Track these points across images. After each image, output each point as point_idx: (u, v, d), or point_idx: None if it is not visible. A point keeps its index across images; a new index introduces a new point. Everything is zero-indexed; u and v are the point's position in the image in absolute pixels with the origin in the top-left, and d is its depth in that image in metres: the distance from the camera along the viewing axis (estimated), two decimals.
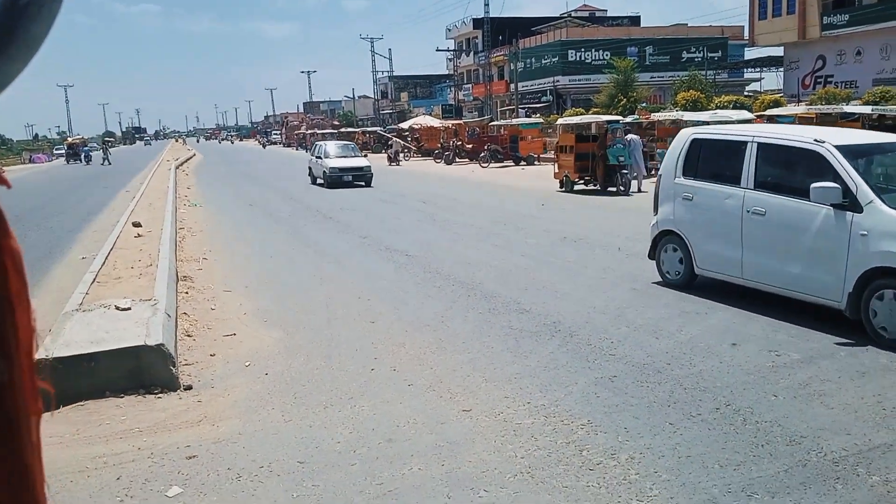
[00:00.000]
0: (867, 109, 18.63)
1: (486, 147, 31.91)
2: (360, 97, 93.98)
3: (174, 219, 13.70)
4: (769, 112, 20.54)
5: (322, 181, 23.99)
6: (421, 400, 5.11)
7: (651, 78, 51.81)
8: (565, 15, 71.25)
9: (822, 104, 26.47)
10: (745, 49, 63.47)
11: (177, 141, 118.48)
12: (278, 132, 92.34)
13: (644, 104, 32.77)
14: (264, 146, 57.12)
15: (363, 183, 23.50)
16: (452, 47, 77.19)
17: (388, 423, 4.73)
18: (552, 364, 5.72)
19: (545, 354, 5.98)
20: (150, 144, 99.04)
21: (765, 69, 48.29)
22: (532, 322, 6.92)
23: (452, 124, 41.37)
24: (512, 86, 60.42)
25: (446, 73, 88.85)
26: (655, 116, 22.36)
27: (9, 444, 0.53)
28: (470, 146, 35.04)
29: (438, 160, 36.55)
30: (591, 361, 5.74)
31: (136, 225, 12.32)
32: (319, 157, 24.94)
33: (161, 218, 13.56)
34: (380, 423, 4.72)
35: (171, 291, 7.44)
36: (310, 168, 25.95)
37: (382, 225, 13.97)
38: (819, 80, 39.37)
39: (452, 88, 75.22)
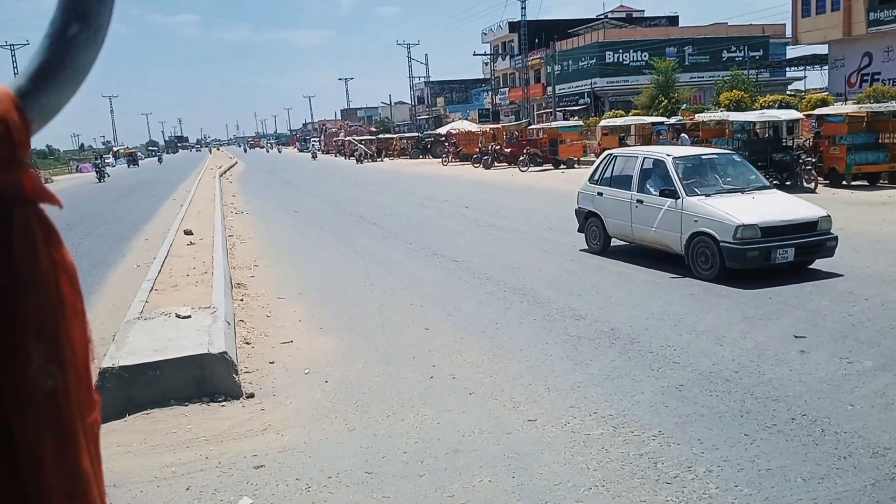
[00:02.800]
0: None
1: (525, 151, 31.78)
2: (396, 103, 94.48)
3: (223, 227, 13.85)
4: (818, 111, 20.05)
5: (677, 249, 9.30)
6: (484, 409, 5.04)
7: (691, 78, 51.00)
8: (602, 16, 70.79)
9: (869, 102, 25.82)
10: (787, 48, 62.55)
11: (217, 150, 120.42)
12: (317, 139, 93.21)
13: (685, 105, 32.29)
14: (314, 156, 57.91)
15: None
16: (488, 51, 77.23)
17: (452, 432, 4.68)
18: (615, 372, 5.62)
19: (606, 362, 5.87)
20: (159, 159, 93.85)
21: (808, 67, 47.25)
22: (589, 329, 6.81)
23: (490, 128, 41.23)
24: (549, 89, 60.29)
25: (482, 77, 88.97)
26: (700, 117, 22.00)
27: (64, 450, 0.53)
28: (508, 150, 34.91)
29: (477, 164, 36.48)
30: (655, 370, 5.62)
31: (188, 233, 12.48)
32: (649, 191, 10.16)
33: (210, 226, 13.72)
34: (444, 433, 4.67)
35: (227, 299, 7.49)
36: (589, 212, 11.15)
37: (427, 230, 13.95)
38: (865, 77, 38.40)
39: (489, 93, 75.11)
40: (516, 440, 4.51)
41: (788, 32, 58.56)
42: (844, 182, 18.12)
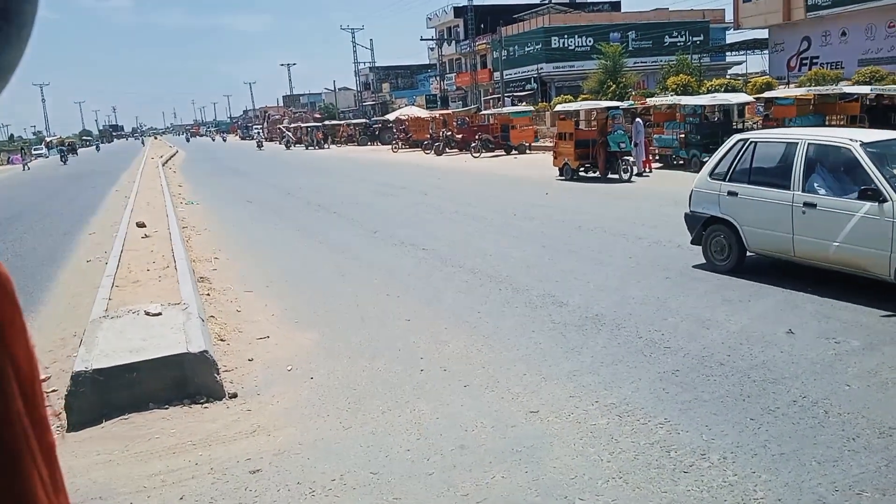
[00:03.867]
0: (866, 89, 18.59)
1: (477, 137, 31.69)
2: (340, 89, 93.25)
3: (178, 218, 13.36)
4: (767, 94, 20.48)
5: (883, 273, 6.72)
6: (482, 401, 4.90)
7: (635, 63, 51.54)
8: (546, 2, 71.07)
9: (811, 85, 26.53)
10: (727, 32, 64.01)
11: (155, 138, 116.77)
12: (259, 126, 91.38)
13: (633, 90, 32.66)
14: (259, 144, 55.25)
15: None
16: (433, 36, 76.79)
17: (454, 427, 4.52)
18: (608, 359, 5.54)
19: (597, 349, 5.80)
20: (97, 147, 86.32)
21: (749, 52, 48.32)
22: (573, 315, 6.73)
23: (440, 114, 41.00)
24: (496, 74, 60.31)
25: (428, 62, 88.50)
26: (651, 101, 22.22)
27: (12, 478, 0.49)
28: (460, 136, 34.78)
29: (428, 151, 36.25)
30: (647, 355, 5.57)
31: (141, 225, 11.99)
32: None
33: (163, 217, 13.23)
34: (446, 428, 4.52)
35: (196, 295, 7.17)
36: (711, 218, 8.49)
37: (390, 219, 13.71)
38: (805, 61, 39.46)
39: (435, 78, 74.76)
40: (522, 433, 4.38)
41: (728, 17, 59.85)
42: None
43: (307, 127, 56.67)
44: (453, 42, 69.65)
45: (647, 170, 19.70)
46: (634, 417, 4.49)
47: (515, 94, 53.62)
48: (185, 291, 7.06)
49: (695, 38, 57.45)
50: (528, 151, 31.79)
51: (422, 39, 68.71)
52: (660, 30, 57.53)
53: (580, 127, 19.03)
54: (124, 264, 8.84)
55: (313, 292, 8.31)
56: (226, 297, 8.13)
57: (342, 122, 58.77)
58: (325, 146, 51.54)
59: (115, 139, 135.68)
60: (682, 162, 20.61)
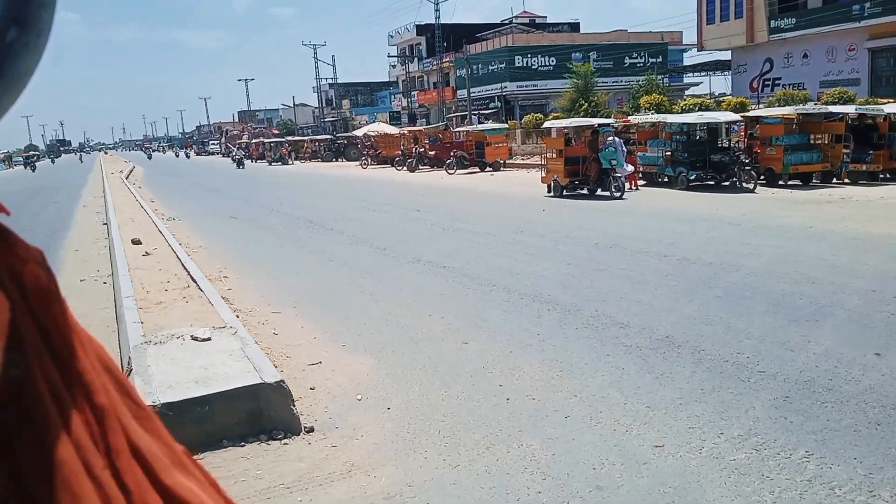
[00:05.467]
0: (850, 109, 18.92)
1: (452, 153, 31.45)
2: (298, 105, 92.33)
3: (173, 235, 12.67)
4: (753, 113, 20.70)
5: None
6: (593, 435, 4.51)
7: (596, 83, 52.31)
8: (507, 21, 71.64)
9: (780, 105, 27.06)
10: (685, 54, 65.48)
11: (105, 153, 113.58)
12: (216, 142, 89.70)
13: (617, 108, 32.90)
14: (240, 163, 49.54)
15: None
16: (395, 54, 76.73)
17: (578, 465, 4.12)
18: (707, 386, 5.20)
19: (687, 374, 5.47)
20: (32, 166, 79.51)
21: (711, 73, 49.38)
22: (641, 337, 6.40)
23: (410, 131, 40.70)
24: (459, 92, 60.40)
25: (388, 80, 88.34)
26: (634, 119, 22.27)
27: (36, 439, 0.48)
28: (433, 153, 34.53)
29: (400, 167, 35.89)
30: (746, 381, 5.25)
31: (136, 242, 11.29)
32: None
33: (153, 233, 12.55)
34: (570, 466, 4.11)
35: (234, 317, 6.62)
36: None
37: (392, 235, 13.25)
38: (767, 82, 40.48)
39: (397, 95, 74.61)
40: (658, 470, 4.00)
41: (687, 39, 61.17)
42: (781, 182, 18.72)
43: (270, 142, 55.72)
44: (416, 60, 69.63)
45: (634, 187, 19.67)
46: (772, 450, 4.15)
47: (481, 111, 53.69)
48: (224, 314, 6.51)
49: (653, 60, 58.54)
50: (502, 169, 31.71)
51: (389, 56, 68.39)
52: (620, 51, 58.42)
53: (572, 144, 18.83)
54: (136, 284, 8.20)
55: (346, 313, 7.81)
56: (255, 318, 7.57)
57: (305, 137, 57.95)
58: (290, 162, 50.75)
59: (62, 154, 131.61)
60: (666, 179, 20.66)
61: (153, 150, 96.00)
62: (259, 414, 4.63)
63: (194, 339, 5.65)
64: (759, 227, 12.29)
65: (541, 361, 5.91)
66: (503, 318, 7.28)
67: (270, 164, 50.71)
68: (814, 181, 18.96)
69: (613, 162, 17.55)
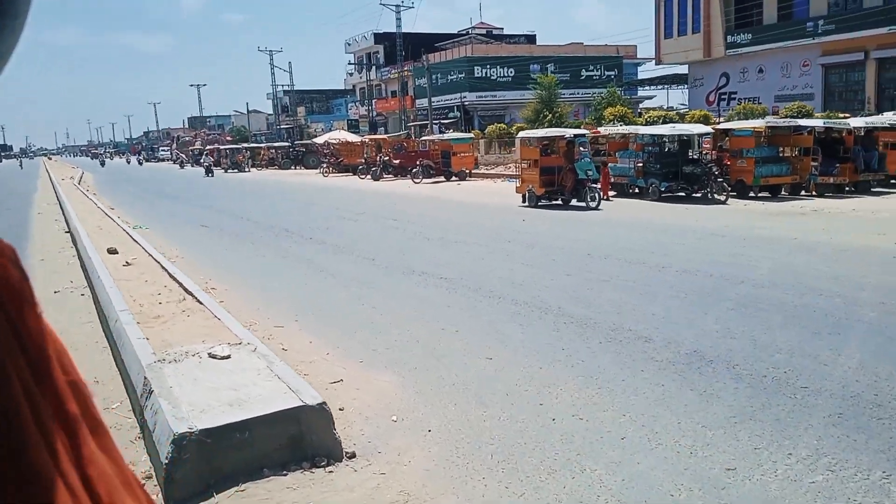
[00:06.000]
0: (819, 123, 19.32)
1: (418, 162, 31.20)
2: (251, 111, 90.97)
3: (150, 244, 12.09)
4: (724, 125, 21.00)
5: None
6: (656, 457, 4.30)
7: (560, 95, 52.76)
8: (464, 32, 71.84)
9: (739, 119, 27.59)
10: (639, 68, 66.65)
11: (48, 158, 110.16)
12: (166, 148, 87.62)
13: (574, 119, 33.11)
14: (209, 171, 43.87)
15: None
16: (352, 62, 76.19)
17: (654, 491, 3.90)
18: (756, 403, 5.04)
19: (730, 391, 5.30)
20: None
21: (668, 86, 50.26)
22: (670, 352, 6.24)
23: (372, 139, 40.36)
24: (418, 101, 60.28)
25: (343, 88, 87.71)
26: (605, 131, 22.39)
27: (10, 444, 0.47)
28: (397, 162, 34.23)
29: (363, 176, 35.50)
30: (794, 398, 5.11)
31: (113, 252, 10.73)
32: None
33: (127, 242, 11.97)
34: (645, 493, 3.89)
35: (246, 331, 6.24)
36: None
37: (376, 245, 12.92)
38: (723, 96, 41.32)
39: (355, 104, 74.12)
40: (740, 495, 3.81)
41: (641, 53, 62.30)
42: (752, 194, 18.99)
43: (226, 149, 54.63)
44: (374, 68, 69.19)
45: (606, 198, 19.71)
46: (848, 472, 4.00)
47: (441, 121, 53.60)
48: (235, 328, 6.13)
49: (609, 73, 59.43)
50: (468, 178, 31.60)
51: (350, 64, 67.78)
52: (577, 63, 59.04)
53: (548, 153, 18.77)
54: (127, 297, 7.72)
55: (353, 326, 7.48)
56: (258, 333, 7.17)
57: (262, 144, 56.98)
58: (246, 169, 49.79)
59: (3, 159, 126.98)
60: (637, 191, 20.78)
61: (97, 156, 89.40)
62: (300, 439, 4.30)
63: (212, 356, 5.28)
64: (744, 238, 12.34)
65: (574, 378, 5.69)
66: (521, 332, 7.05)
67: (227, 172, 49.67)
68: (783, 193, 19.29)
69: (590, 172, 17.55)
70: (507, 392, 5.46)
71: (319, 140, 47.11)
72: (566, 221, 15.90)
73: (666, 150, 20.33)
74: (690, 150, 20.01)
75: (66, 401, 0.52)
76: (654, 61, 44.09)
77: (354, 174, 38.75)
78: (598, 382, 5.57)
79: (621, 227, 14.55)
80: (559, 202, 18.77)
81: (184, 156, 54.65)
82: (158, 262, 9.76)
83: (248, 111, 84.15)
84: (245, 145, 56.52)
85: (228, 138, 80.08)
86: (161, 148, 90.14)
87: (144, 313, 6.96)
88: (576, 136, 18.77)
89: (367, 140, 40.34)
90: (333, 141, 43.37)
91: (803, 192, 19.21)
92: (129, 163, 75.53)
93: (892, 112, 23.88)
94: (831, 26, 34.02)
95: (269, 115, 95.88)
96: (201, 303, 7.20)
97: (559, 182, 18.15)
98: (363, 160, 37.15)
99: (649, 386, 5.45)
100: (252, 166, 52.06)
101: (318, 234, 14.59)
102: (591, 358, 6.17)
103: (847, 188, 19.26)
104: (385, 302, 8.57)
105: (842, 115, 24.84)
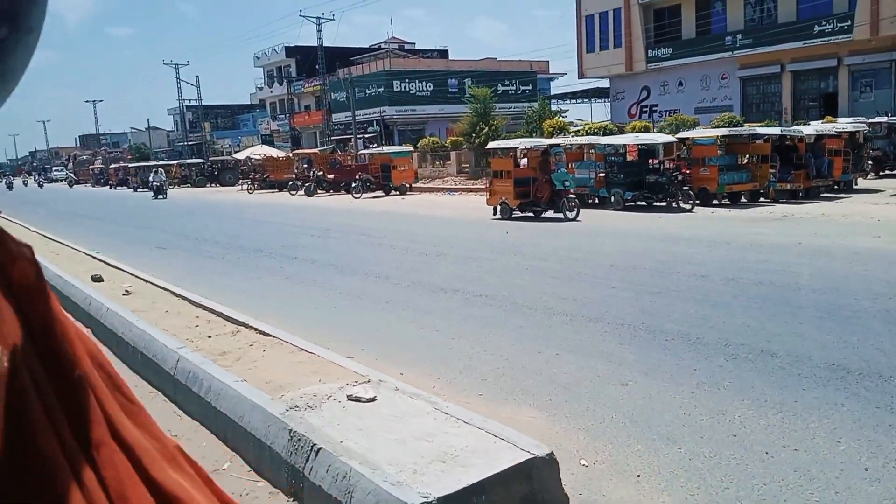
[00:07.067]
0: (776, 131, 19.82)
1: (357, 176, 30.24)
2: (150, 128, 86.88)
3: (128, 268, 10.75)
4: (685, 134, 21.24)
5: None
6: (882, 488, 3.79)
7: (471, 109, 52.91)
8: (376, 46, 71.16)
9: (669, 130, 28.21)
10: (552, 83, 68.02)
11: None
12: (60, 168, 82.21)
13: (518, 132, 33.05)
14: (160, 191, 38.24)
15: None
16: (261, 76, 74.14)
17: None
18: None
19: (870, 400, 4.90)
20: None
21: (590, 100, 51.29)
22: (810, 367, 5.76)
23: (297, 154, 39.03)
24: (335, 116, 59.10)
25: (250, 103, 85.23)
26: (565, 142, 22.24)
27: (16, 433, 0.48)
28: (331, 176, 33.12)
29: (294, 192, 34.18)
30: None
31: (98, 279, 9.40)
32: None
33: (102, 269, 10.62)
34: None
35: (354, 364, 5.35)
36: None
37: (380, 263, 12.05)
38: (644, 109, 42.44)
39: (266, 119, 72.04)
40: None
41: (552, 69, 63.49)
42: (715, 202, 19.21)
43: (135, 167, 51.69)
44: (284, 82, 67.44)
45: None
46: None
47: (365, 136, 52.69)
48: (346, 363, 5.23)
49: (524, 87, 60.29)
50: (408, 193, 30.92)
51: (267, 76, 65.70)
52: (493, 78, 59.40)
53: (520, 165, 18.35)
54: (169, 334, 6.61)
55: (429, 354, 6.66)
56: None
57: (173, 162, 54.18)
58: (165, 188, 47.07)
59: None
60: (597, 201, 20.69)
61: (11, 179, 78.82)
62: (531, 497, 3.53)
63: (355, 399, 4.40)
64: (749, 244, 12.21)
65: (739, 402, 5.13)
66: (628, 352, 6.45)
67: (136, 191, 46.94)
68: (742, 200, 19.63)
69: (567, 183, 17.25)
70: (683, 424, 4.83)
71: (240, 156, 45.27)
72: (554, 233, 15.48)
73: (628, 159, 20.33)
74: (651, 160, 20.06)
75: (81, 389, 0.53)
76: (576, 74, 44.75)
77: (281, 190, 37.33)
78: (765, 405, 5.04)
79: (615, 237, 14.25)
80: (530, 214, 18.37)
81: (72, 175, 50.48)
82: (168, 290, 8.56)
83: (148, 127, 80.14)
84: (154, 163, 53.54)
85: (128, 156, 76.13)
86: (54, 168, 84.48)
87: (205, 350, 5.91)
88: (551, 146, 18.44)
89: (293, 155, 38.95)
90: (256, 156, 41.73)
91: (762, 199, 19.60)
92: (26, 185, 69.06)
93: (823, 119, 24.95)
94: (748, 40, 35.53)
95: (171, 131, 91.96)
96: (270, 335, 6.21)
97: (534, 193, 17.75)
98: (294, 176, 35.78)
99: (830, 406, 4.96)
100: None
101: (300, 253, 13.55)
102: (735, 379, 5.63)
103: (800, 194, 19.81)
104: (443, 324, 7.79)
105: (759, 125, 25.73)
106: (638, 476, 4.15)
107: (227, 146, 75.94)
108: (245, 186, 40.23)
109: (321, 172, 33.25)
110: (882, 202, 17.94)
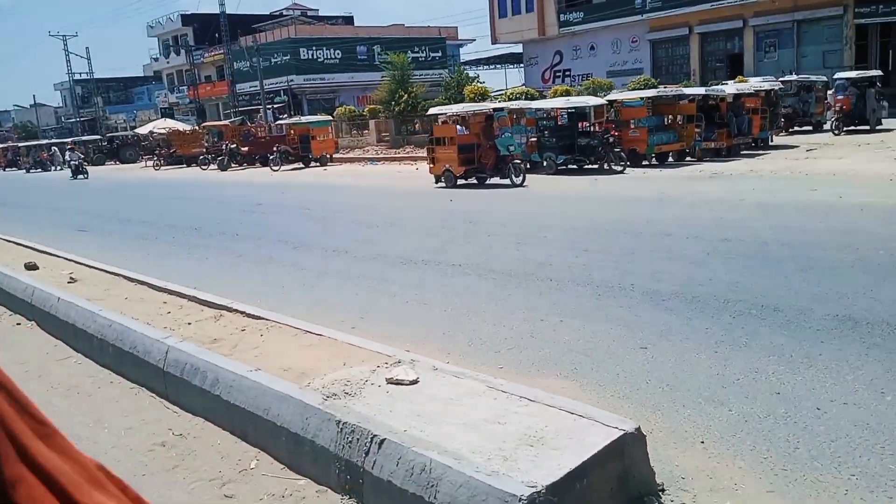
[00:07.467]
0: (701, 91, 20.25)
1: (275, 148, 29.13)
2: (36, 105, 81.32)
3: (67, 251, 9.82)
4: (614, 95, 21.39)
5: None
6: None
7: (382, 77, 51.97)
8: (277, 13, 68.67)
9: (587, 94, 28.53)
10: (461, 49, 67.71)
11: None
12: None
13: (437, 98, 32.55)
14: (80, 170, 34.66)
15: None
16: (156, 46, 70.41)
17: None
18: None
19: None
20: None
21: (504, 65, 51.25)
22: (816, 321, 5.80)
23: (209, 126, 37.32)
24: (238, 86, 56.86)
25: (144, 75, 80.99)
26: (502, 105, 22.03)
27: None
28: (245, 149, 31.82)
29: (205, 166, 32.73)
30: None
31: (32, 267, 8.51)
32: None
33: (32, 256, 9.68)
34: None
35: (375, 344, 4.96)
36: None
37: (323, 236, 11.52)
38: (558, 73, 42.80)
39: (164, 91, 68.57)
40: None
41: (461, 35, 63.06)
42: (645, 162, 19.50)
43: (26, 146, 48.27)
44: (182, 52, 64.30)
45: None
46: None
47: (272, 106, 50.94)
48: (367, 344, 4.84)
49: (434, 54, 59.63)
50: (329, 163, 30.12)
51: (163, 46, 62.30)
52: (402, 44, 58.40)
53: (463, 131, 17.93)
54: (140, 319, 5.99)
55: (411, 325, 6.34)
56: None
57: (67, 140, 50.80)
58: (54, 168, 44.20)
59: None
60: (528, 165, 20.64)
61: None
62: (624, 476, 3.30)
63: (396, 382, 4.05)
64: (692, 203, 12.29)
65: (766, 360, 5.06)
66: (637, 315, 6.29)
67: (28, 172, 43.86)
68: (669, 160, 20.02)
69: (512, 148, 17.05)
70: (721, 385, 4.72)
71: (142, 130, 42.94)
72: (501, 199, 15.28)
73: (559, 123, 20.33)
74: (582, 123, 20.12)
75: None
76: (488, 40, 44.62)
77: (190, 165, 35.71)
78: (801, 362, 4.99)
79: (563, 200, 14.21)
80: (475, 181, 18.08)
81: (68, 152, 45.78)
82: (120, 275, 7.82)
83: (35, 104, 74.93)
84: (46, 141, 50.11)
85: (15, 136, 71.07)
86: None
87: (192, 338, 5.37)
88: (494, 110, 18.15)
89: (204, 128, 37.23)
90: (160, 131, 39.65)
91: (688, 158, 20.05)
92: None
93: (735, 79, 25.73)
94: (658, 3, 36.20)
95: (59, 107, 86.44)
96: (261, 318, 5.71)
97: (479, 160, 17.45)
98: (203, 149, 34.20)
99: (855, 358, 4.96)
100: (54, 164, 46.09)
101: (242, 230, 12.84)
102: (753, 336, 5.58)
103: (723, 152, 20.37)
104: (429, 296, 7.44)
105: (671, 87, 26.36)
106: (702, 442, 3.99)
107: (121, 121, 72.03)
108: (150, 163, 38.26)
109: (234, 145, 31.89)
110: (801, 157, 18.64)
